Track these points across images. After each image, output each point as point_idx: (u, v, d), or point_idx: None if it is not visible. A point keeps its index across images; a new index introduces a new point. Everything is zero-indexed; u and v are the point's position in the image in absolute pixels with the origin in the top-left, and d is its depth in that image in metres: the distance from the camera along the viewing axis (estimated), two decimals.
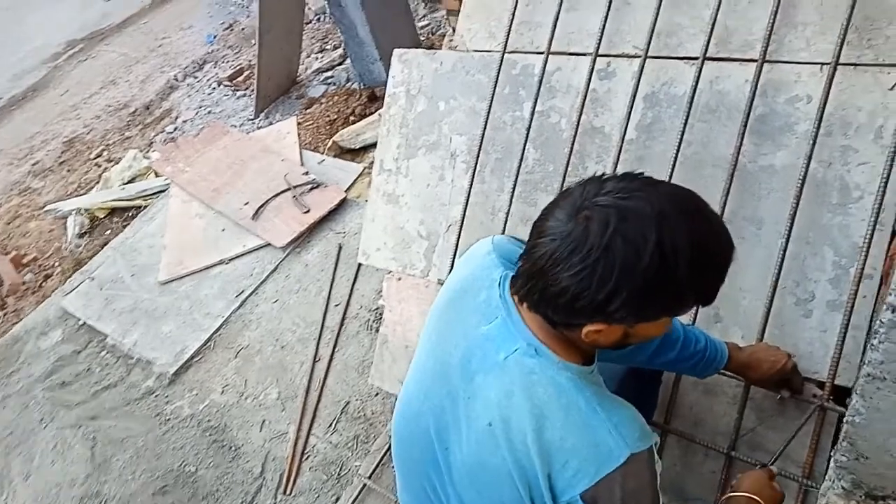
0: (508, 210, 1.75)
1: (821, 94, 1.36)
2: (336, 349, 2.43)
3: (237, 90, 4.28)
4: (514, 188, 1.75)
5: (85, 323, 2.86)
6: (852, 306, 1.27)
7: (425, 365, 1.08)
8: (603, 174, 0.88)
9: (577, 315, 0.85)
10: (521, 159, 1.74)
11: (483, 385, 0.96)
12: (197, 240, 3.04)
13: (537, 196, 1.78)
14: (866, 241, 1.26)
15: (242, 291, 2.78)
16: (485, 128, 1.79)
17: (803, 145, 1.38)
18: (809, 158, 1.35)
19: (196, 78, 4.60)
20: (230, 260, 2.92)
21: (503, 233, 1.75)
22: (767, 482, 1.14)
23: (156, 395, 2.49)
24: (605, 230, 0.79)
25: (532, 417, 0.90)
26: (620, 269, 0.79)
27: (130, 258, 3.14)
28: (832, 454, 1.04)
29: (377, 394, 2.22)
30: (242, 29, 4.87)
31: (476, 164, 1.81)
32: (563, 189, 0.90)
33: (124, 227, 3.42)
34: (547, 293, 0.85)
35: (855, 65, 1.38)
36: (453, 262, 1.85)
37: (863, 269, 1.26)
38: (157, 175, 3.60)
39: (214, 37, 4.94)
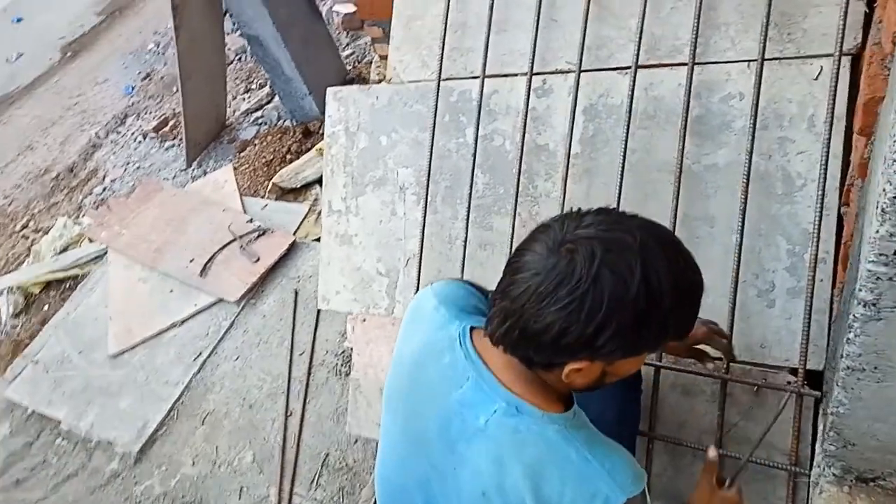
0: (466, 237, 1.74)
1: (752, 90, 1.40)
2: (307, 400, 2.36)
3: (165, 141, 4.15)
4: (468, 215, 1.74)
5: (34, 411, 2.70)
6: (812, 292, 1.30)
7: (399, 444, 1.04)
8: (579, 209, 0.87)
9: (561, 353, 0.83)
10: (472, 185, 1.74)
11: (468, 454, 0.93)
12: (144, 305, 2.92)
13: (492, 220, 1.77)
14: (815, 226, 1.30)
15: (200, 353, 2.68)
16: (430, 158, 1.78)
17: (742, 141, 1.42)
18: (750, 153, 1.38)
19: (119, 133, 4.44)
20: (182, 322, 2.81)
21: (463, 260, 1.74)
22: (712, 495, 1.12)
23: (122, 478, 2.36)
24: (593, 262, 0.78)
25: (527, 479, 0.88)
26: (609, 301, 0.78)
27: (75, 334, 2.98)
28: (820, 444, 1.06)
29: (356, 441, 2.17)
30: (161, 77, 4.74)
31: (426, 194, 1.80)
32: (538, 225, 0.88)
33: (63, 300, 3.25)
34: (529, 331, 0.82)
35: (779, 59, 1.43)
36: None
37: (816, 254, 1.30)
38: (91, 241, 3.45)
39: (133, 88, 4.78)
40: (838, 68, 1.31)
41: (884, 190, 0.68)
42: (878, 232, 0.71)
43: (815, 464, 1.24)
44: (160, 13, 5.18)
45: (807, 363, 1.32)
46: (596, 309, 0.78)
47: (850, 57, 1.35)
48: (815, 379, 1.35)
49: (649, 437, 1.48)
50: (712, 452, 1.13)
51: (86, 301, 3.12)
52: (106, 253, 3.27)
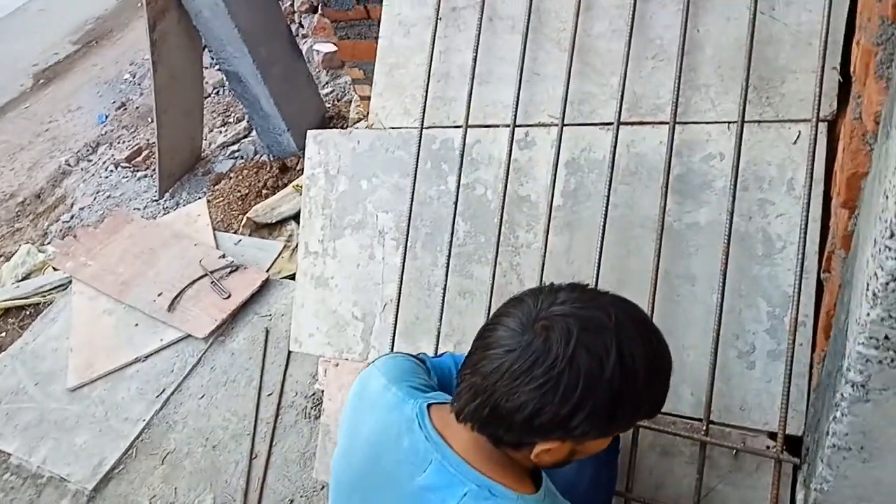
0: (445, 284, 1.71)
1: (732, 151, 1.41)
2: (273, 443, 2.29)
3: (137, 171, 4.08)
4: (447, 262, 1.72)
5: None
6: (792, 356, 1.30)
7: None
8: (552, 284, 0.85)
9: (533, 433, 0.80)
10: (452, 233, 1.72)
11: None
12: (108, 338, 2.82)
13: (472, 268, 1.75)
14: (795, 290, 1.31)
15: (164, 390, 2.59)
16: (411, 203, 1.76)
17: (723, 201, 1.43)
18: (731, 213, 1.39)
19: (90, 161, 4.36)
20: (147, 357, 2.72)
21: (442, 307, 1.71)
22: None
23: None
24: (569, 341, 0.76)
25: None
26: (585, 381, 0.76)
27: (32, 365, 2.87)
28: None
29: (323, 487, 2.10)
30: (137, 107, 4.69)
31: (406, 240, 1.77)
32: (510, 299, 0.86)
33: (22, 329, 3.15)
34: (501, 409, 0.79)
35: (759, 122, 1.45)
36: (393, 342, 1.78)
37: (796, 317, 1.30)
38: (55, 270, 3.34)
39: (106, 117, 4.72)
40: (815, 134, 1.33)
41: (875, 274, 0.67)
42: (868, 315, 0.70)
43: None
44: (137, 44, 5.16)
45: (786, 428, 1.31)
46: (571, 389, 0.76)
47: (826, 123, 1.37)
48: (794, 444, 1.34)
49: (626, 499, 1.45)
50: None
51: (46, 331, 3.02)
52: (70, 282, 3.18)
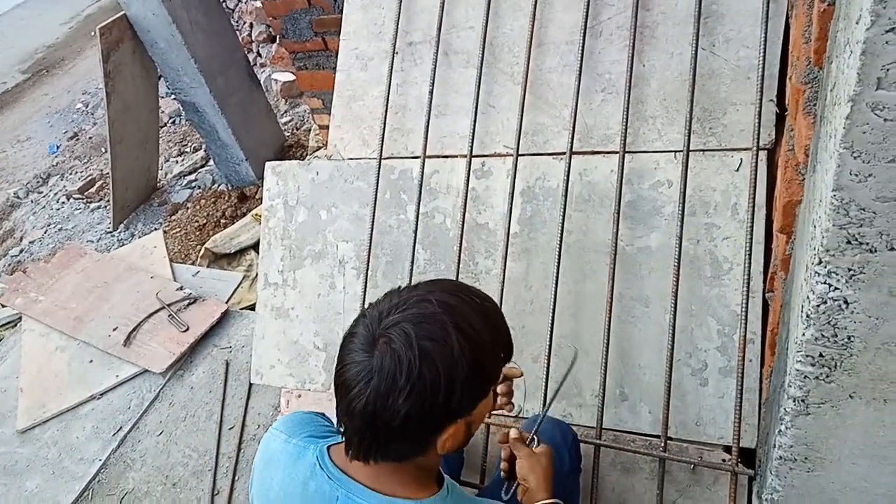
0: None
1: (679, 179, 1.48)
2: (236, 478, 2.24)
3: (90, 202, 4.00)
4: None
5: None
6: (742, 372, 1.36)
7: None
8: (369, 305, 0.90)
9: (429, 432, 0.85)
10: (412, 261, 1.75)
11: None
12: (60, 376, 2.74)
13: None
14: (743, 309, 1.37)
15: (120, 428, 2.51)
16: (371, 233, 1.79)
17: (672, 226, 1.49)
18: (680, 237, 1.46)
19: (41, 193, 4.25)
20: (102, 394, 2.64)
21: None
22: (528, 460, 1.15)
23: None
24: (411, 342, 0.81)
25: None
26: (444, 366, 0.81)
27: None
28: None
29: None
30: (90, 138, 4.61)
31: (367, 269, 1.79)
32: (343, 339, 0.90)
33: None
34: (392, 430, 0.83)
35: (703, 150, 1.53)
36: None
37: (745, 335, 1.36)
38: (3, 306, 3.24)
39: (58, 147, 4.62)
40: (756, 162, 1.41)
41: (808, 297, 0.73)
42: (804, 335, 0.75)
43: None
44: (90, 73, 5.08)
45: (740, 441, 1.36)
46: (436, 380, 0.80)
47: (766, 151, 1.46)
48: (749, 456, 1.39)
49: None
50: (513, 433, 1.17)
51: None
52: (20, 319, 3.08)
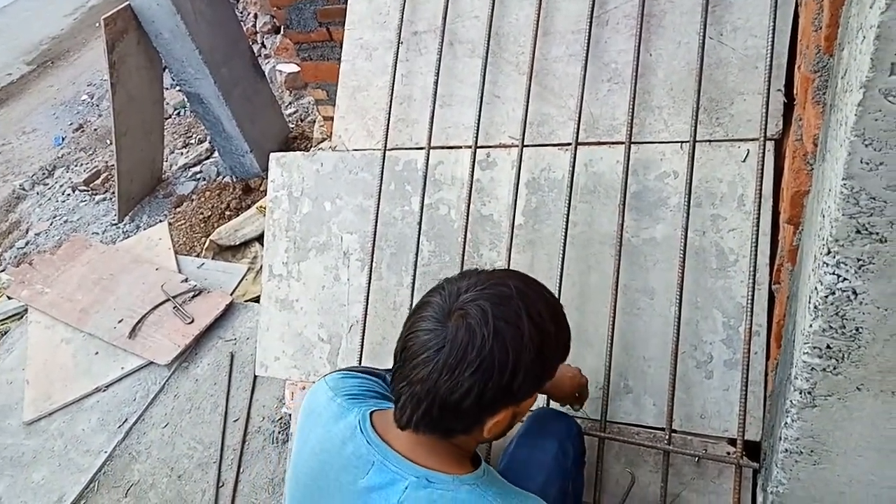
0: (411, 304, 1.73)
1: (685, 170, 1.47)
2: (241, 470, 2.25)
3: (95, 194, 4.01)
4: (413, 282, 1.73)
5: None
6: (748, 364, 1.35)
7: None
8: (447, 279, 0.93)
9: (484, 411, 0.87)
10: (417, 252, 1.74)
11: None
12: (66, 368, 2.75)
13: None
14: (748, 301, 1.36)
15: (126, 420, 2.53)
16: (375, 224, 1.78)
17: (678, 217, 1.48)
18: (686, 229, 1.44)
19: (46, 185, 4.26)
20: (108, 386, 2.66)
21: None
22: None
23: None
24: (487, 319, 0.84)
25: None
26: (513, 347, 0.84)
27: None
28: None
29: None
30: (95, 129, 4.61)
31: (371, 260, 1.78)
32: (416, 307, 0.93)
33: None
34: (449, 403, 0.85)
35: (710, 141, 1.51)
36: (360, 363, 1.78)
37: (750, 328, 1.35)
38: (9, 298, 3.25)
39: (63, 139, 4.63)
40: (763, 152, 1.39)
41: (816, 288, 0.72)
42: (811, 326, 0.74)
43: None
44: (95, 64, 5.08)
45: (745, 434, 1.35)
46: (504, 359, 0.83)
47: (773, 142, 1.44)
48: (754, 449, 1.38)
49: None
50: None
51: (0, 363, 2.92)
52: (26, 311, 3.09)
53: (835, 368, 0.79)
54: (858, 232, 0.69)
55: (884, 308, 0.73)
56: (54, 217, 3.93)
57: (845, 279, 0.72)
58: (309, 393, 1.09)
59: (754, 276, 1.36)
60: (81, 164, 4.30)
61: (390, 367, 1.02)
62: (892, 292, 0.72)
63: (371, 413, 0.99)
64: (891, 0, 0.54)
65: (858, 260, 0.71)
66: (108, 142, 3.99)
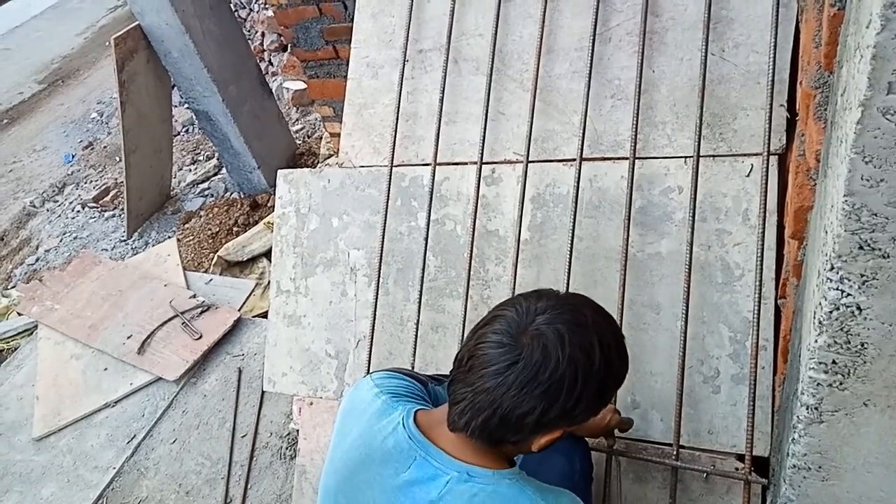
0: (418, 319, 1.74)
1: (689, 185, 1.47)
2: (249, 486, 2.26)
3: (105, 211, 4.05)
4: (420, 297, 1.74)
5: None
6: (755, 379, 1.35)
7: None
8: (519, 296, 0.95)
9: (542, 429, 0.90)
10: (423, 268, 1.75)
11: None
12: (76, 384, 2.77)
13: (444, 302, 1.78)
14: (755, 316, 1.36)
15: (134, 436, 2.54)
16: (382, 240, 1.79)
17: (683, 232, 1.48)
18: (691, 244, 1.45)
19: (56, 202, 4.30)
20: (116, 402, 2.67)
21: (415, 342, 1.73)
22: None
23: None
24: (563, 344, 0.86)
25: None
26: (582, 375, 0.87)
27: None
28: None
29: None
30: (104, 147, 4.66)
31: (378, 276, 1.80)
32: (491, 317, 0.94)
33: None
34: (511, 417, 0.87)
35: (713, 156, 1.52)
36: None
37: (757, 342, 1.35)
38: (19, 315, 3.28)
39: (73, 157, 4.68)
40: (767, 167, 1.40)
41: (820, 303, 0.72)
42: (816, 342, 0.75)
43: None
44: (105, 82, 5.14)
45: (753, 450, 1.35)
46: (572, 385, 0.86)
47: (777, 156, 1.44)
48: (762, 465, 1.38)
49: None
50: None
51: (10, 379, 2.94)
52: (36, 327, 3.11)
53: (841, 384, 0.79)
54: (861, 248, 0.70)
55: (888, 324, 0.73)
56: (64, 234, 3.97)
57: (849, 294, 0.73)
58: (351, 389, 1.12)
59: (760, 290, 1.36)
60: (91, 182, 4.35)
61: (432, 374, 1.03)
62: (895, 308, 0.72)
63: (416, 412, 1.02)
64: (885, 21, 0.55)
65: (862, 276, 0.71)
66: (118, 159, 4.04)
